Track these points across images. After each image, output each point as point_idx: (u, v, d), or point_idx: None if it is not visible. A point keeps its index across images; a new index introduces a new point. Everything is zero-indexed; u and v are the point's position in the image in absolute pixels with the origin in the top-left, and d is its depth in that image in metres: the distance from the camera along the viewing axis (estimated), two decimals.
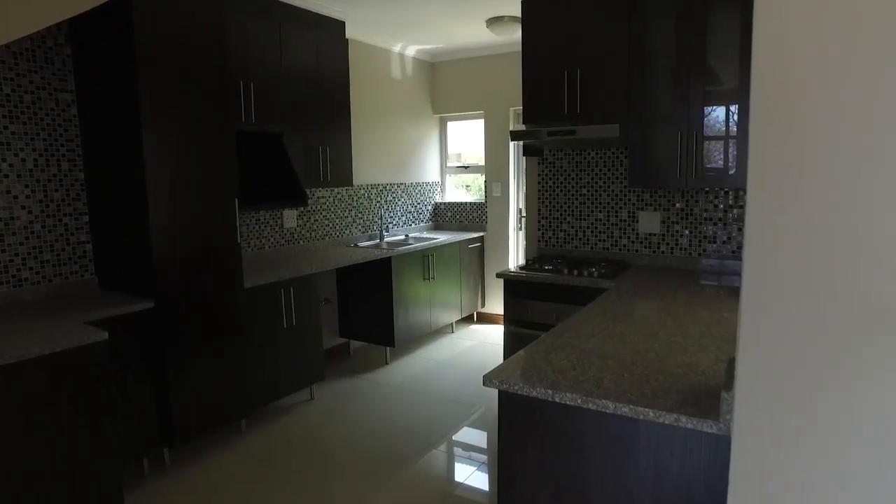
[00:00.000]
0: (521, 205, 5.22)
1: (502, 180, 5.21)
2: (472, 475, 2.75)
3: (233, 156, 2.89)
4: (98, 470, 2.15)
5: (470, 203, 5.46)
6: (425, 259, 4.48)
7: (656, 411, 1.27)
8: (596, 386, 1.42)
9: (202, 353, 2.80)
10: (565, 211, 3.45)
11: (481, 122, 5.30)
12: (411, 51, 5.06)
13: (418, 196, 5.41)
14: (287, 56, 3.50)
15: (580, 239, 3.41)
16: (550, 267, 3.09)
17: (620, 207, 3.26)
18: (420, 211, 5.46)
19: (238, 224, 2.92)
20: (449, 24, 4.25)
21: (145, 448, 2.65)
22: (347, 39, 3.96)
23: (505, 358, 3.11)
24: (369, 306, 4.30)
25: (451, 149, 5.74)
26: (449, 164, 5.74)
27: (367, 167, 4.74)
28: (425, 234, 5.16)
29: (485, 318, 5.44)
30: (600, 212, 3.33)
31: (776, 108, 0.95)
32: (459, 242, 4.94)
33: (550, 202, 3.50)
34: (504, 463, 1.55)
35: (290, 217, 4.06)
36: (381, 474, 2.74)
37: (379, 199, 4.91)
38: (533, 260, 3.34)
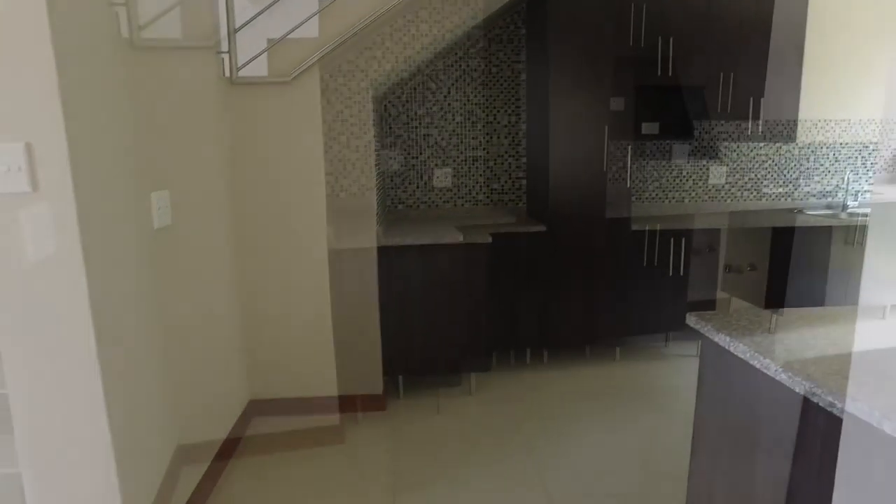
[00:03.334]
0: None
1: None
2: None
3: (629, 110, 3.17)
4: (472, 328, 3.01)
5: None
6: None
7: (822, 389, 1.03)
8: (787, 350, 1.20)
9: (574, 276, 3.31)
10: None
11: None
12: None
13: None
14: (716, 2, 3.39)
15: None
16: None
17: None
18: None
19: (629, 171, 3.21)
20: None
21: (527, 342, 3.39)
22: None
23: None
24: (796, 281, 3.77)
25: None
26: None
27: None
28: None
29: None
30: None
31: None
32: None
33: None
34: (699, 408, 1.47)
35: (717, 174, 3.95)
36: None
37: (845, 160, 4.07)
38: None
